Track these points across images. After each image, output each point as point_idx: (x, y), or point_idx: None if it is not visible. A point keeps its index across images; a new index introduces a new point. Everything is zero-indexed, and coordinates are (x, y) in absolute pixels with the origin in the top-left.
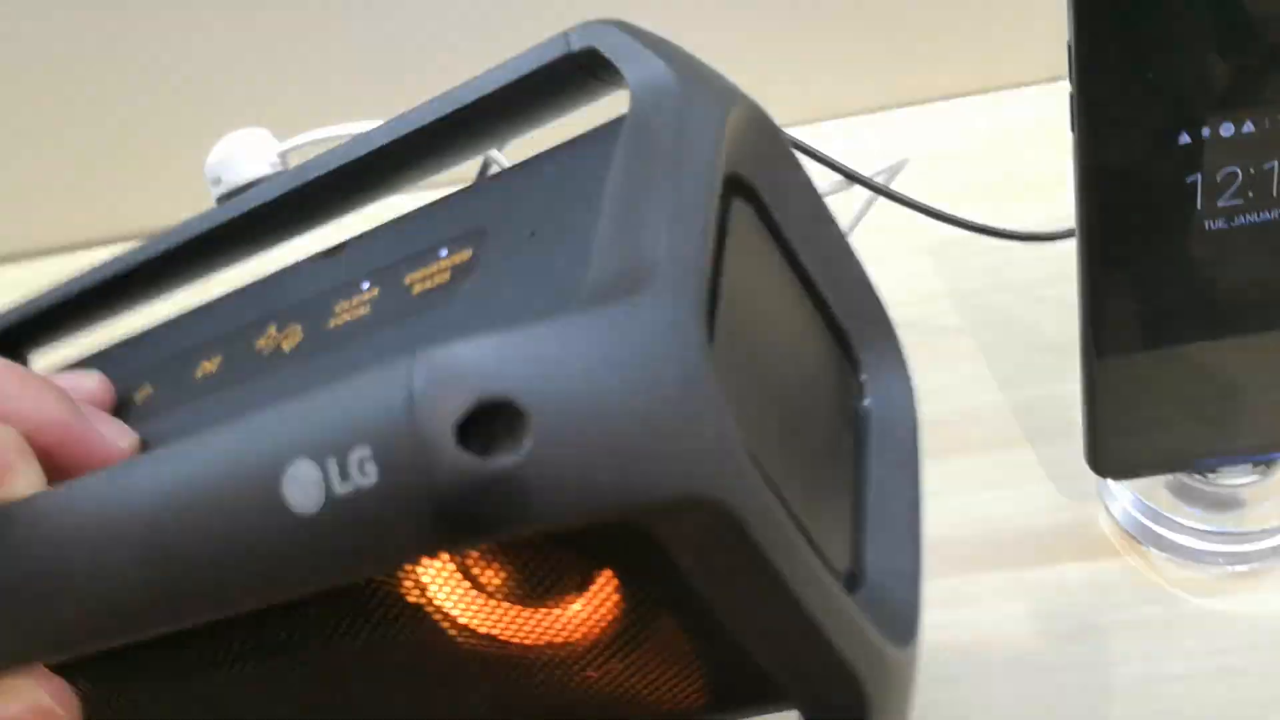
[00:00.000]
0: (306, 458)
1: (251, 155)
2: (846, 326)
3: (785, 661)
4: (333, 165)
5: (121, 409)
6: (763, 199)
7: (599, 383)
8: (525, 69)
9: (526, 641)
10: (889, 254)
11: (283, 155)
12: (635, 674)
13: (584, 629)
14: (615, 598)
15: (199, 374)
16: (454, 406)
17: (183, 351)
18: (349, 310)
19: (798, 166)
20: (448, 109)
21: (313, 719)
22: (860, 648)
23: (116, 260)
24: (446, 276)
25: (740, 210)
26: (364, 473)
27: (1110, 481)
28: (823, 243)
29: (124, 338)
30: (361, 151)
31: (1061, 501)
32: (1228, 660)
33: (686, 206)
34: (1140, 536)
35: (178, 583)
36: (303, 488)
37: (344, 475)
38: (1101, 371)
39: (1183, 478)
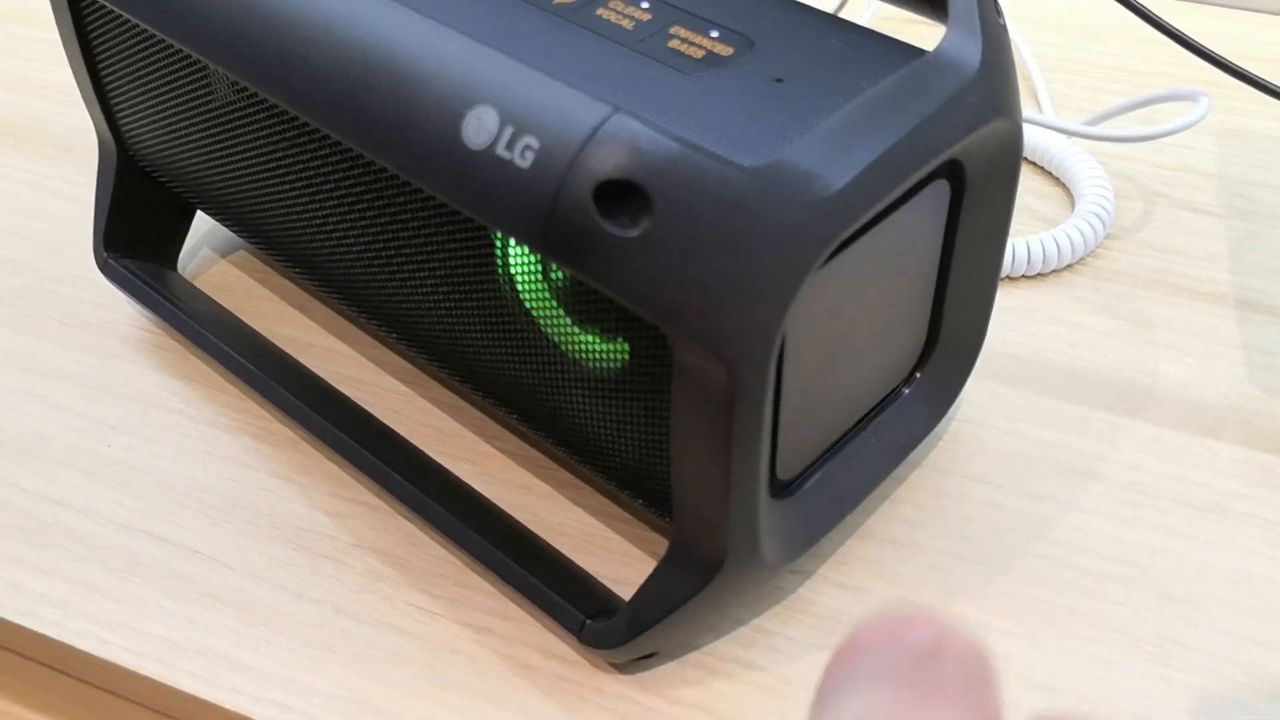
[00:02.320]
0: (497, 112)
1: None
2: (943, 332)
3: (685, 494)
4: None
5: None
6: (964, 195)
7: (723, 226)
8: None
9: (547, 333)
10: None
11: None
12: (592, 412)
13: (586, 356)
14: (620, 357)
15: None
16: (610, 167)
17: None
18: (618, 13)
19: (1012, 197)
20: None
21: (352, 277)
22: (743, 529)
23: None
24: (700, 54)
25: (939, 188)
26: (522, 156)
27: None
28: (978, 264)
29: None
30: None
31: (1248, 388)
32: None
33: (894, 162)
34: None
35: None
36: (478, 127)
37: (509, 145)
38: None
39: None
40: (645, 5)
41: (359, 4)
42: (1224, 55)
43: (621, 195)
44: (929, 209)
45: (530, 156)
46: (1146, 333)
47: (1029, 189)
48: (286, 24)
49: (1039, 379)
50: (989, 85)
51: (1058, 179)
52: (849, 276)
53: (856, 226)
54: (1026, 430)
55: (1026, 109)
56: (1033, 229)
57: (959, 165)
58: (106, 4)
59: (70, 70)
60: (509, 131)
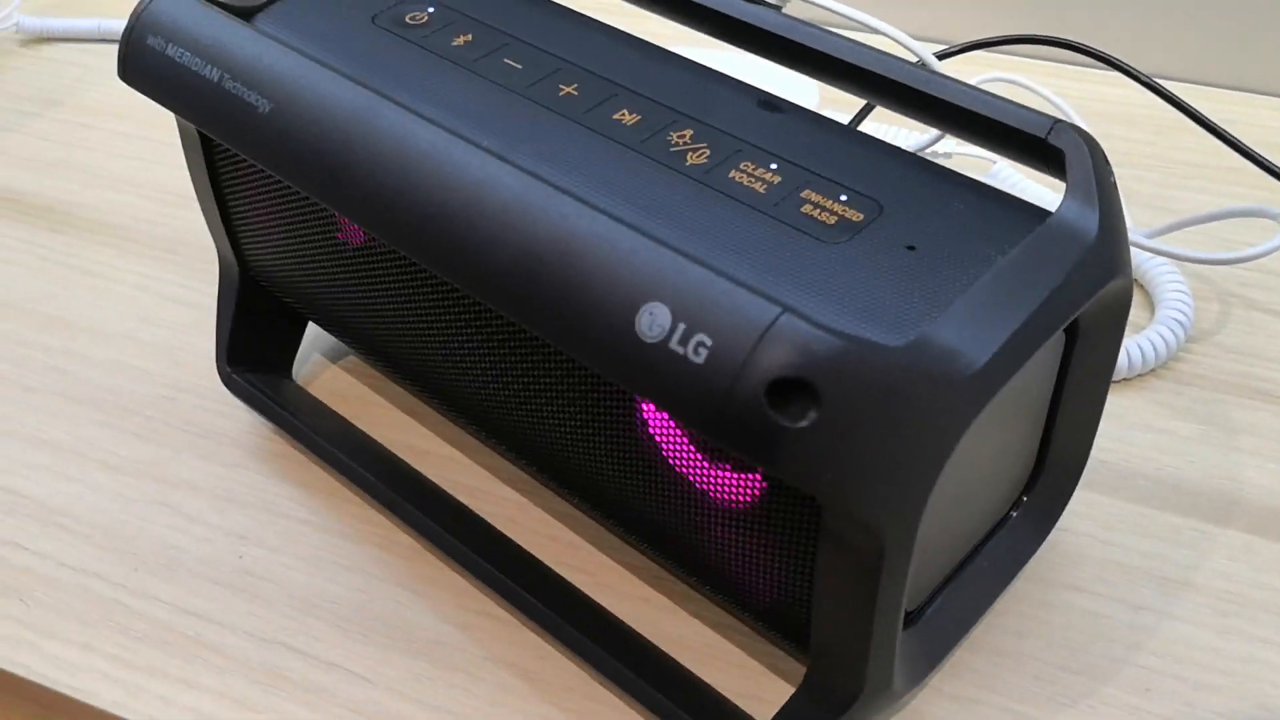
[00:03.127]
0: (669, 310)
1: None
2: (1049, 459)
3: (827, 635)
4: (812, 45)
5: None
6: (1076, 345)
7: (880, 412)
8: (1000, 115)
9: (683, 470)
10: None
11: None
12: (725, 548)
13: (722, 493)
14: (753, 498)
15: (562, 91)
16: (781, 366)
17: (560, 57)
18: (749, 175)
19: (1120, 339)
20: (925, 84)
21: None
22: (879, 664)
23: None
24: (833, 220)
25: (1056, 340)
26: (696, 352)
27: None
28: (1086, 397)
29: None
30: (841, 54)
31: None
32: None
33: (1028, 334)
34: None
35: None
36: (650, 322)
37: (683, 341)
38: None
39: None
40: (774, 166)
41: (530, 190)
42: None
43: (791, 390)
44: (1047, 361)
45: (704, 354)
46: (1230, 438)
47: None
48: (461, 211)
49: (1129, 486)
50: (1107, 248)
51: (1136, 281)
52: (977, 435)
53: (996, 399)
54: (1120, 539)
55: None
56: None
57: (1076, 321)
58: (272, 173)
59: (180, 174)
60: (682, 328)
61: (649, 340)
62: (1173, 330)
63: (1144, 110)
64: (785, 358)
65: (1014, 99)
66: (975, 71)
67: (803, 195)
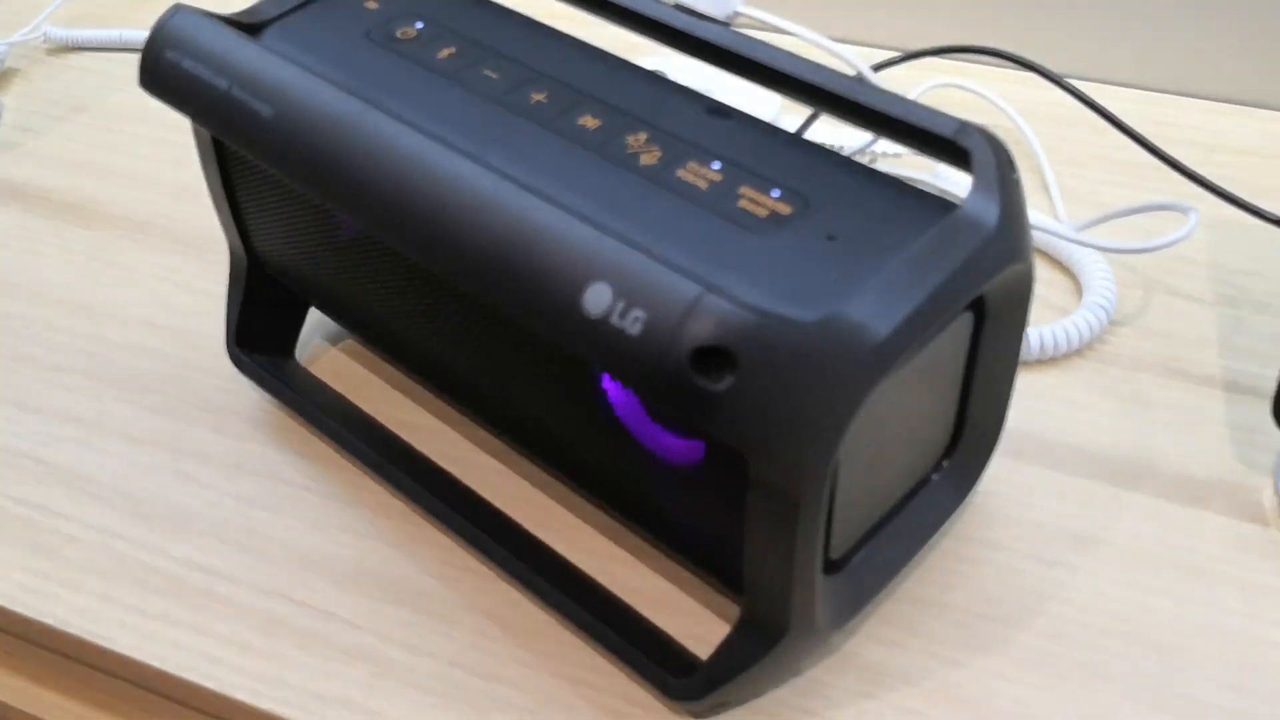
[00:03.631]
0: (611, 288)
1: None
2: (966, 427)
3: (756, 575)
4: (760, 58)
5: (413, 42)
6: (985, 323)
7: (790, 376)
8: (917, 119)
9: (636, 433)
10: None
11: (736, 13)
12: (675, 502)
13: (670, 453)
14: (697, 459)
15: (533, 99)
16: (704, 334)
17: (533, 69)
18: (694, 174)
19: (1024, 319)
20: (853, 92)
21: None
22: (802, 603)
23: None
24: (765, 213)
25: (964, 319)
26: (633, 325)
27: None
28: (996, 372)
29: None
30: (777, 63)
31: (1233, 463)
32: None
33: (929, 310)
34: None
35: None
36: (595, 300)
37: (622, 315)
38: None
39: None
40: (716, 166)
41: (498, 187)
42: (1215, 144)
43: (712, 356)
44: (956, 337)
45: (639, 327)
46: (1145, 412)
47: (1041, 279)
48: (439, 205)
49: (1050, 454)
50: (1006, 237)
51: (1066, 268)
52: (888, 400)
53: (899, 367)
54: (1039, 502)
55: (1039, 202)
56: (1044, 316)
57: (981, 300)
58: (261, 165)
59: (194, 173)
60: (621, 305)
61: (593, 316)
62: (1095, 314)
63: (1083, 113)
64: (706, 329)
65: (964, 103)
66: (928, 78)
67: (740, 191)
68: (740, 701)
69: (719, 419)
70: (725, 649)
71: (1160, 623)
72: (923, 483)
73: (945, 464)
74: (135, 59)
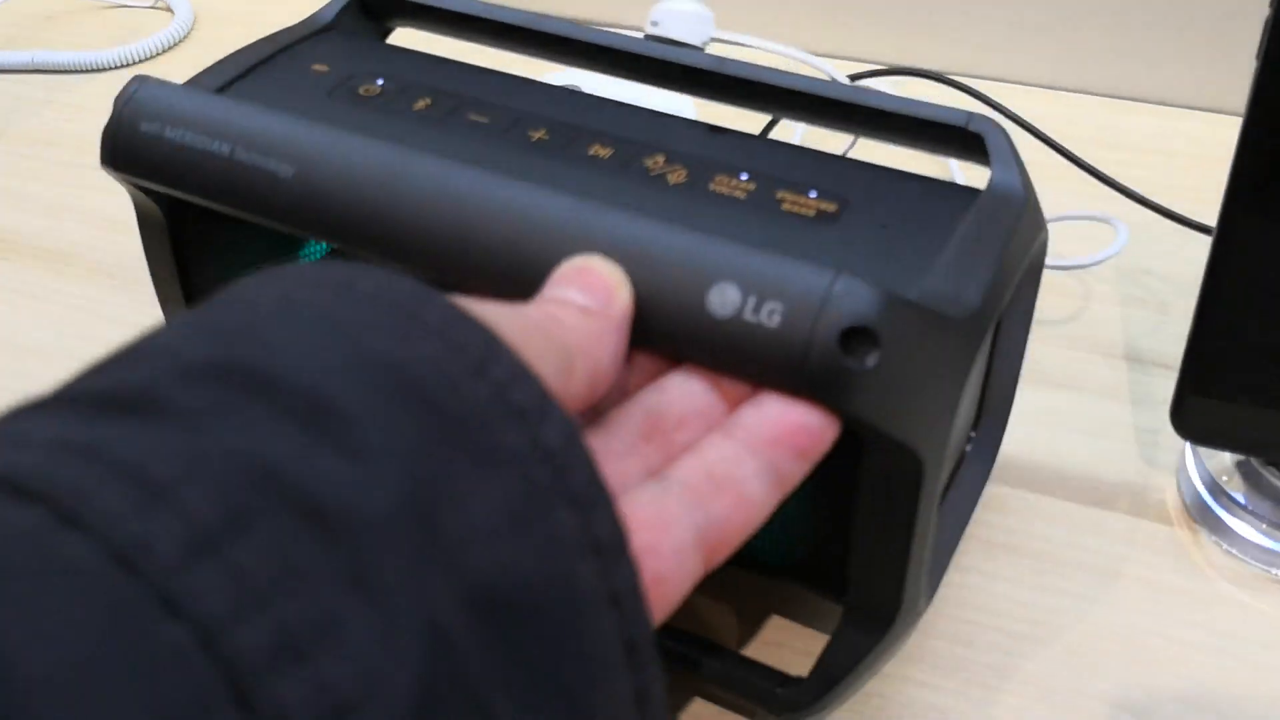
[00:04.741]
0: (736, 286)
1: (691, 28)
2: (987, 400)
3: (867, 563)
4: (744, 76)
5: (427, 111)
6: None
7: (918, 350)
8: (925, 114)
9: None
10: None
11: (711, 39)
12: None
13: None
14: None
15: (533, 136)
16: (849, 316)
17: (517, 110)
18: (727, 185)
19: (1037, 291)
20: (852, 96)
21: None
22: (913, 584)
23: (519, 13)
24: (812, 212)
25: None
26: (768, 317)
27: (1190, 460)
28: (1014, 340)
29: (475, 65)
30: (765, 79)
31: (1139, 465)
32: (1229, 645)
33: (1003, 277)
34: (1198, 517)
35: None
36: (722, 302)
37: (755, 310)
38: (1212, 313)
39: (1259, 469)
40: (745, 177)
41: (575, 210)
42: (1116, 143)
43: (858, 337)
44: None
45: (777, 318)
46: (1054, 418)
47: None
48: (519, 240)
49: None
50: (1034, 208)
51: None
52: (975, 369)
53: (987, 334)
54: None
55: None
56: None
57: None
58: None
59: (115, 200)
60: (752, 300)
61: (722, 317)
62: None
63: (988, 113)
64: (851, 310)
65: None
66: None
67: (779, 196)
68: (841, 702)
69: (864, 398)
70: (834, 646)
71: (1071, 625)
72: (963, 457)
73: (974, 435)
74: (47, 80)
